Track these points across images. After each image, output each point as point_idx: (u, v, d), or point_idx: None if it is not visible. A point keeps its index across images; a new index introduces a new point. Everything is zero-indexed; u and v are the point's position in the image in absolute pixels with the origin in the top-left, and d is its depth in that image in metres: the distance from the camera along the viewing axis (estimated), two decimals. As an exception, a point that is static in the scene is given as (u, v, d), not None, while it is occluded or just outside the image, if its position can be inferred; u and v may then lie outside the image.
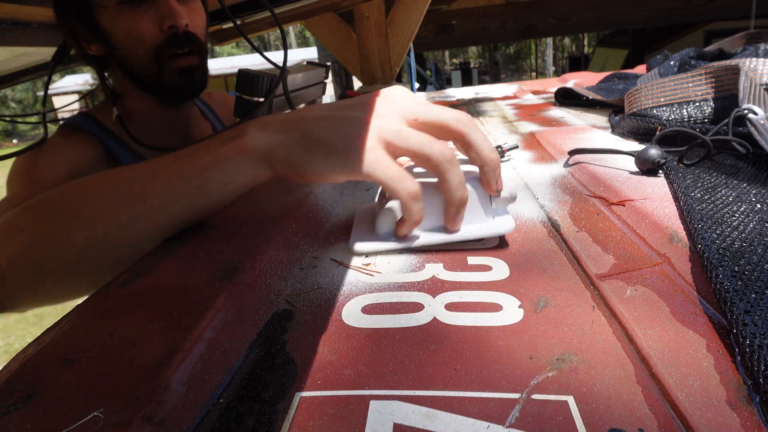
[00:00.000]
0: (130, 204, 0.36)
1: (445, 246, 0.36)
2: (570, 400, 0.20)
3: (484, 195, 0.35)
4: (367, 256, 0.35)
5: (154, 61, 0.66)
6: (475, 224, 0.35)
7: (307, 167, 0.34)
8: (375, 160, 0.32)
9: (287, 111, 0.39)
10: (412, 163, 0.36)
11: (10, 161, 0.67)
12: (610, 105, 0.82)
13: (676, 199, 0.37)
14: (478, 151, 0.33)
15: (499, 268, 0.32)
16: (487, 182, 0.34)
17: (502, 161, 0.56)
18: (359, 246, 0.35)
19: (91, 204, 0.38)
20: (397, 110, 0.34)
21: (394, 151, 0.33)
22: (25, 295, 0.40)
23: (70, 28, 0.66)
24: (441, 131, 0.34)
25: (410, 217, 0.33)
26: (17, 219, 0.40)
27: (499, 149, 0.57)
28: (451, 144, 0.36)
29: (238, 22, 1.15)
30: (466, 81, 13.71)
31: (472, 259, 0.34)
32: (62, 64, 0.77)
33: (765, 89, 0.50)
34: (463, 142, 0.34)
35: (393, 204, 0.34)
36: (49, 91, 0.75)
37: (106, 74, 0.72)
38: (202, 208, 0.37)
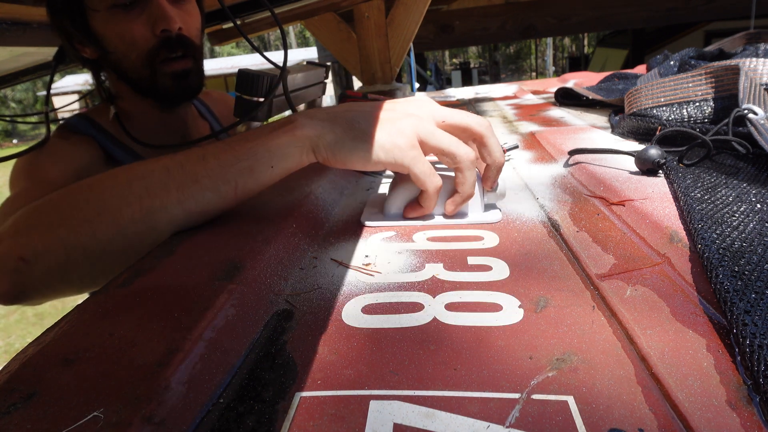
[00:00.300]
0: (182, 183, 0.37)
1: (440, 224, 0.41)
2: (570, 400, 0.20)
3: (480, 191, 0.41)
4: (369, 224, 0.41)
5: (147, 65, 0.66)
6: (470, 212, 0.42)
7: (351, 154, 0.38)
8: (414, 156, 0.37)
9: (323, 107, 0.41)
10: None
11: (10, 162, 0.66)
12: (610, 105, 0.82)
13: (676, 199, 0.37)
14: (490, 152, 0.39)
15: (499, 268, 0.32)
16: (488, 178, 0.40)
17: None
18: (368, 222, 0.41)
19: (139, 183, 0.38)
20: (428, 113, 0.39)
21: (426, 148, 0.38)
22: (56, 279, 0.40)
23: (63, 31, 0.65)
24: (464, 133, 0.39)
25: (428, 205, 0.39)
26: (52, 205, 0.40)
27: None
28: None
29: (238, 22, 1.15)
30: (466, 81, 13.71)
31: (472, 259, 0.34)
32: (64, 63, 0.77)
33: (765, 89, 0.50)
34: (480, 143, 0.39)
35: (403, 190, 0.41)
36: (50, 91, 0.75)
37: (102, 76, 0.72)
38: (247, 189, 0.39)
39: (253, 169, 0.38)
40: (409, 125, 0.37)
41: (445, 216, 0.41)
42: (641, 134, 0.58)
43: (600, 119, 0.77)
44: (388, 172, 0.59)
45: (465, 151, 0.37)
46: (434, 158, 0.40)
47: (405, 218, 0.42)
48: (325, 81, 0.97)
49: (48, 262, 0.38)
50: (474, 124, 0.39)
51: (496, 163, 0.39)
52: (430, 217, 0.41)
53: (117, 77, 0.69)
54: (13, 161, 0.66)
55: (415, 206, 0.40)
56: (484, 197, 0.42)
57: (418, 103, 0.40)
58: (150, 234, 0.38)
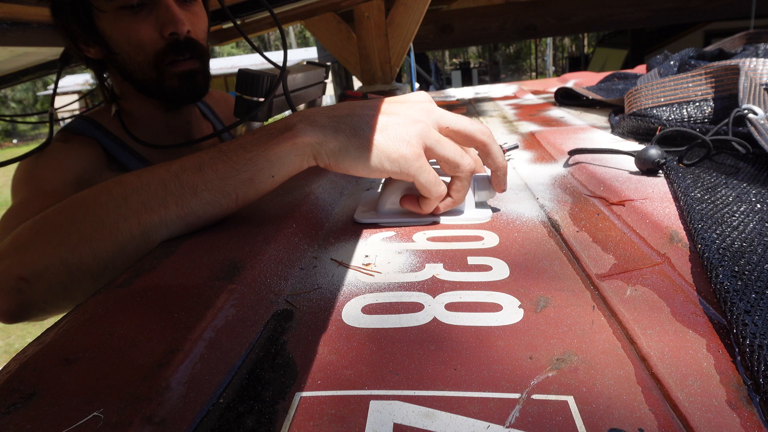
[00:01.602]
0: (180, 197, 0.36)
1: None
2: (570, 400, 0.20)
3: (472, 190, 0.43)
4: (365, 226, 0.41)
5: (154, 67, 0.65)
6: (465, 210, 0.43)
7: (355, 163, 0.37)
8: (420, 165, 0.37)
9: (323, 106, 0.40)
10: None
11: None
12: (610, 105, 0.82)
13: (676, 199, 0.37)
14: (494, 159, 0.40)
15: (499, 268, 0.32)
16: (498, 184, 0.41)
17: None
18: (361, 220, 0.42)
19: (135, 197, 0.37)
20: (433, 118, 0.38)
21: (429, 155, 0.37)
22: (57, 297, 0.39)
23: (67, 31, 0.65)
24: (466, 139, 0.39)
25: (427, 209, 0.40)
26: (50, 221, 0.40)
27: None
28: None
29: (238, 22, 1.15)
30: (466, 81, 13.70)
31: (472, 259, 0.34)
32: (69, 64, 0.77)
33: (765, 89, 0.50)
34: (483, 151, 0.40)
35: (397, 189, 0.41)
36: (49, 91, 0.75)
37: (105, 76, 0.72)
38: (248, 199, 0.38)
39: (253, 180, 0.37)
40: (414, 133, 0.36)
41: (434, 213, 0.41)
42: (641, 134, 0.58)
43: (600, 119, 0.77)
44: None
45: (468, 162, 0.38)
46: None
47: (401, 207, 0.41)
48: (325, 81, 0.97)
49: (49, 281, 0.38)
50: (477, 132, 0.39)
51: (502, 168, 0.40)
52: (407, 219, 0.42)
53: (122, 77, 0.69)
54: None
55: (413, 203, 0.40)
56: (475, 196, 0.43)
57: (421, 106, 0.39)
58: (151, 248, 0.37)
